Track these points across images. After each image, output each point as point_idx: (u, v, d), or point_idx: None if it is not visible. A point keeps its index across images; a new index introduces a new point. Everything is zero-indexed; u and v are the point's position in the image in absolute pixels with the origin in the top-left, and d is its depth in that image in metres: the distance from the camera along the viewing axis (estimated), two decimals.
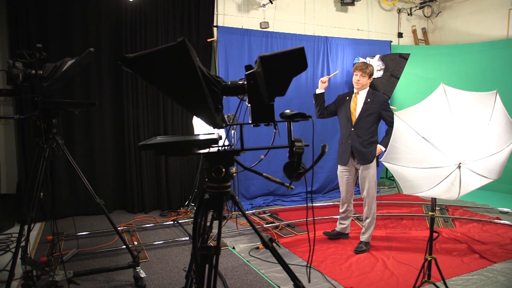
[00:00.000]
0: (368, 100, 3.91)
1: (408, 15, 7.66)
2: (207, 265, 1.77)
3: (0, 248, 4.01)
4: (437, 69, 6.89)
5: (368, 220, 3.93)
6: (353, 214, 4.45)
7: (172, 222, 4.87)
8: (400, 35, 7.65)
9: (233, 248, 4.00)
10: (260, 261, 3.66)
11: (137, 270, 3.17)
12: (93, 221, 4.93)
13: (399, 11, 7.61)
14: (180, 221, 4.86)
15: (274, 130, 1.96)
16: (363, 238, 3.92)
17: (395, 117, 2.25)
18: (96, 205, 3.13)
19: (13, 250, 3.92)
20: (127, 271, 3.38)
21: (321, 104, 4.11)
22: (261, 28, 6.20)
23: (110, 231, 4.48)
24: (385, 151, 3.78)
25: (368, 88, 4.00)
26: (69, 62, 2.90)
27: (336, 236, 4.21)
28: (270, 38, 5.99)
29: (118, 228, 4.50)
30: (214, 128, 1.74)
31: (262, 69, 1.70)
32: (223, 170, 1.80)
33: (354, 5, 6.93)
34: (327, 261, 3.64)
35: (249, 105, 1.81)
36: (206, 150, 1.80)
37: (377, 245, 3.98)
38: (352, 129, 3.95)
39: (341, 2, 6.86)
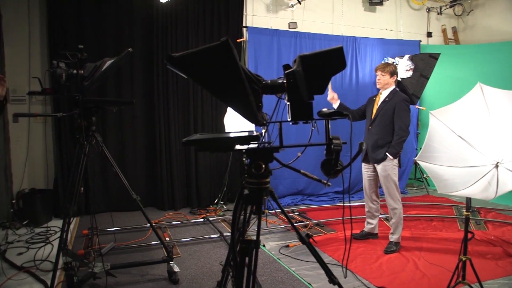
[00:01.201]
0: (387, 99, 3.92)
1: (438, 14, 7.55)
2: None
3: (40, 240, 4.18)
4: (468, 69, 6.76)
5: (393, 221, 3.91)
6: (381, 214, 4.43)
7: (202, 220, 4.96)
8: (429, 34, 7.54)
9: (263, 245, 4.05)
10: (290, 259, 3.69)
11: (171, 265, 3.25)
12: (125, 217, 5.06)
13: (429, 10, 7.51)
14: (209, 219, 4.95)
15: (312, 128, 2.00)
16: (393, 238, 3.91)
17: (430, 116, 2.26)
18: (129, 201, 3.23)
19: (52, 242, 4.09)
20: (160, 265, 3.46)
21: (346, 111, 4.12)
22: (290, 28, 6.23)
23: (142, 227, 4.61)
24: (394, 159, 3.78)
25: (392, 87, 3.98)
26: (108, 62, 3.01)
27: (365, 237, 4.20)
28: (299, 38, 6.02)
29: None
30: (256, 125, 1.79)
31: (302, 68, 1.74)
32: (263, 166, 1.85)
33: (382, 4, 6.89)
34: (357, 260, 3.64)
35: (288, 103, 1.86)
36: (247, 147, 1.86)
37: (407, 246, 3.96)
38: (370, 127, 3.98)
39: (369, 2, 6.82)
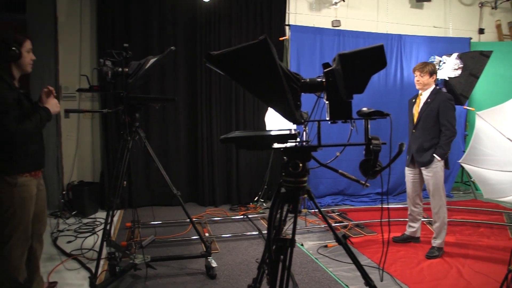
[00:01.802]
0: (429, 100, 3.77)
1: (492, 8, 7.17)
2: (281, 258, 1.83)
3: (86, 230, 4.38)
4: None
5: (437, 225, 3.77)
6: (424, 217, 4.29)
7: (241, 217, 5.01)
8: (481, 31, 7.18)
9: (302, 245, 4.03)
10: (328, 259, 3.66)
11: (209, 260, 3.31)
12: (166, 212, 5.19)
13: (482, 5, 7.15)
14: (249, 216, 4.99)
15: (351, 128, 1.97)
16: (435, 243, 3.77)
17: (476, 117, 2.15)
18: (170, 196, 3.31)
19: (98, 233, 4.27)
20: (199, 260, 3.53)
21: None
22: (333, 26, 6.14)
23: (183, 222, 4.71)
24: (443, 159, 3.63)
25: (432, 87, 3.83)
26: (152, 60, 3.10)
27: (406, 240, 4.08)
28: (342, 36, 5.93)
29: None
30: (293, 123, 1.78)
31: (341, 67, 1.72)
32: (300, 165, 1.84)
33: (430, 1, 6.64)
34: (396, 264, 3.55)
35: (327, 102, 1.84)
36: (284, 145, 1.86)
37: (451, 252, 3.80)
38: (414, 130, 3.85)
39: None
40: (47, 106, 2.60)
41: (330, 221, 4.65)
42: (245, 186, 5.79)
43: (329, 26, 6.15)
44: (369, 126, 1.90)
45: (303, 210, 4.89)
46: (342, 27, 6.18)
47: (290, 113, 1.72)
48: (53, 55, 5.26)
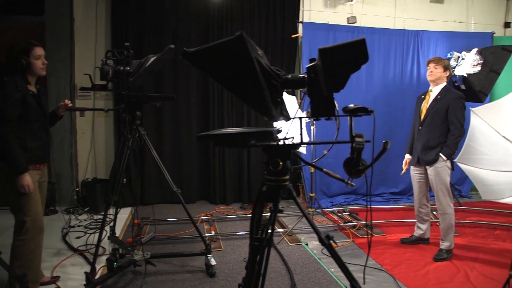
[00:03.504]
0: (439, 97, 3.62)
1: None
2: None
3: (96, 226, 4.46)
4: None
5: (442, 227, 3.64)
6: (433, 218, 4.16)
7: (251, 215, 4.98)
8: (507, 25, 6.88)
9: (306, 244, 3.98)
10: (332, 260, 3.54)
11: (209, 258, 3.31)
12: (176, 209, 5.22)
13: None
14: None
15: (336, 125, 1.91)
16: (443, 246, 3.64)
17: (471, 113, 2.05)
18: (182, 194, 3.32)
19: (106, 229, 4.34)
20: (201, 257, 3.54)
21: None
22: (349, 23, 6.02)
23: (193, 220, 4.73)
24: (449, 159, 3.49)
25: (444, 84, 3.67)
26: (152, 59, 3.12)
27: (415, 242, 3.96)
28: (356, 33, 5.80)
29: (199, 218, 4.78)
30: (269, 120, 1.75)
31: (321, 62, 1.67)
32: (280, 163, 1.80)
33: None
34: (401, 266, 3.45)
35: (309, 98, 1.79)
36: (268, 143, 1.82)
37: (460, 255, 3.67)
38: (420, 127, 3.73)
39: None
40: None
41: (338, 221, 4.63)
42: (256, 185, 5.76)
43: (345, 23, 6.04)
44: (352, 123, 1.81)
45: (310, 209, 4.83)
46: (358, 23, 6.06)
47: (267, 110, 1.68)
48: (69, 55, 5.39)
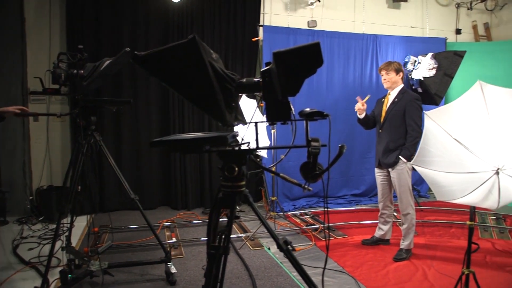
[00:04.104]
0: (396, 99, 3.73)
1: (468, 9, 7.17)
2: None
3: (52, 236, 4.25)
4: (501, 67, 6.35)
5: (405, 226, 3.73)
6: (394, 219, 4.25)
7: None
8: (458, 31, 7.18)
9: (269, 248, 3.96)
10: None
11: (169, 265, 3.23)
12: (137, 216, 5.05)
13: (458, 5, 7.15)
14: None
15: (292, 130, 1.90)
16: (403, 245, 3.72)
17: (425, 117, 2.10)
18: (142, 200, 3.24)
19: (61, 238, 4.16)
20: (161, 265, 3.44)
21: (367, 122, 3.96)
22: (309, 27, 6.10)
23: (154, 226, 4.61)
24: (409, 161, 3.60)
25: (401, 86, 3.78)
26: (107, 62, 3.02)
27: (376, 243, 4.03)
28: (317, 36, 5.87)
29: (161, 224, 4.67)
30: (224, 126, 1.71)
31: (276, 66, 1.66)
32: (236, 168, 1.77)
33: (407, 1, 6.62)
34: (363, 267, 3.49)
35: (264, 102, 1.77)
36: (224, 149, 1.79)
37: (419, 254, 3.76)
38: (380, 130, 3.80)
39: None
40: None
41: (301, 224, 4.65)
42: None
43: (305, 27, 6.11)
44: (308, 127, 1.80)
45: (272, 213, 4.82)
46: (318, 27, 6.14)
47: (220, 115, 1.65)
48: (21, 58, 5.14)
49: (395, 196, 3.96)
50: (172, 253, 3.76)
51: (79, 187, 3.01)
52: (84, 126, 3.02)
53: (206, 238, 4.24)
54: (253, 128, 1.86)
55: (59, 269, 3.16)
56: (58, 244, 3.95)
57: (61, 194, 4.99)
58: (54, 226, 4.60)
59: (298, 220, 4.95)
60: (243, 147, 1.83)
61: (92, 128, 3.09)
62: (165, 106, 5.59)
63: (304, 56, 1.64)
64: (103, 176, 5.30)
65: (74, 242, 4.04)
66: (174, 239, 4.21)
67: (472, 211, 2.30)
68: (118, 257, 3.73)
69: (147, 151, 5.53)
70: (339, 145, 1.74)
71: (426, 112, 2.11)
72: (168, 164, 5.62)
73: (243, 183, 1.84)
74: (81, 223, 4.51)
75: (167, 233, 4.45)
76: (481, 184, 1.99)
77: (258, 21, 5.86)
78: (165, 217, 5.12)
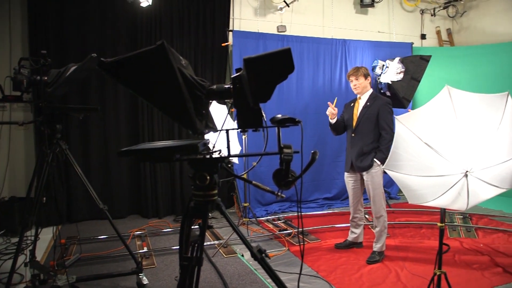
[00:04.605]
0: (368, 103, 3.78)
1: (432, 15, 7.40)
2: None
3: (13, 250, 4.06)
4: (463, 71, 6.60)
5: (377, 229, 3.77)
6: (366, 222, 4.30)
7: None
8: (423, 36, 7.40)
9: (242, 255, 3.92)
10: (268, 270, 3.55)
11: (140, 276, 3.14)
12: (107, 225, 4.92)
13: (422, 12, 7.37)
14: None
15: (264, 136, 1.88)
16: (376, 247, 3.76)
17: (396, 121, 2.12)
18: (112, 210, 3.15)
19: (25, 253, 3.98)
20: (133, 277, 3.34)
21: (338, 128, 3.99)
22: (278, 32, 6.13)
23: (124, 236, 4.48)
24: (383, 164, 3.65)
25: (371, 91, 3.85)
26: (72, 68, 2.92)
27: (349, 246, 4.05)
28: (286, 42, 5.90)
29: (131, 233, 4.55)
30: (194, 134, 1.67)
31: (246, 72, 1.63)
32: (207, 177, 1.73)
33: (374, 6, 6.75)
34: (337, 271, 3.50)
35: (236, 109, 1.74)
36: (194, 157, 1.74)
37: (391, 255, 3.81)
38: (353, 134, 3.84)
39: (360, 4, 6.70)
40: None
41: (274, 230, 4.63)
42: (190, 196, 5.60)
43: (275, 32, 6.13)
44: (280, 133, 1.78)
45: (244, 219, 4.79)
46: (288, 32, 6.18)
47: (190, 123, 1.60)
48: None
49: (365, 199, 4.01)
50: (144, 263, 3.66)
51: (44, 198, 2.88)
52: (49, 134, 2.90)
53: (178, 247, 4.17)
54: (224, 135, 1.82)
55: (22, 285, 3.02)
56: (21, 259, 3.80)
57: (24, 205, 4.77)
58: (16, 239, 4.42)
59: (271, 226, 4.93)
60: (215, 155, 1.79)
61: (58, 136, 2.98)
62: (134, 112, 5.47)
63: (275, 62, 1.63)
64: (70, 185, 5.11)
65: (39, 256, 3.86)
66: (145, 249, 4.10)
67: (443, 212, 2.34)
68: (86, 270, 3.59)
69: (116, 158, 5.38)
70: (312, 151, 1.73)
71: (396, 117, 2.13)
72: (138, 171, 5.50)
73: (215, 191, 1.80)
74: (46, 235, 4.32)
75: (138, 243, 4.34)
76: (451, 187, 2.03)
77: (228, 26, 5.83)
78: (135, 226, 4.99)
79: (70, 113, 3.12)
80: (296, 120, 1.75)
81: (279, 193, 1.84)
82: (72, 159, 3.04)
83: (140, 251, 4.03)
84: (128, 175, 5.51)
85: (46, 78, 2.91)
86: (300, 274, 3.15)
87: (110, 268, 3.67)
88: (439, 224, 2.39)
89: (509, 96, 2.03)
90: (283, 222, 5.07)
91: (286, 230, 4.66)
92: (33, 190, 4.72)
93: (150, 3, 4.96)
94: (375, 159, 3.68)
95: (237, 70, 1.76)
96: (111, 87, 5.33)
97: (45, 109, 2.90)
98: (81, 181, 3.48)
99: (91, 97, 5.23)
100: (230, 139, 1.84)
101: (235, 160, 4.43)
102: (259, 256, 1.89)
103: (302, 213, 5.38)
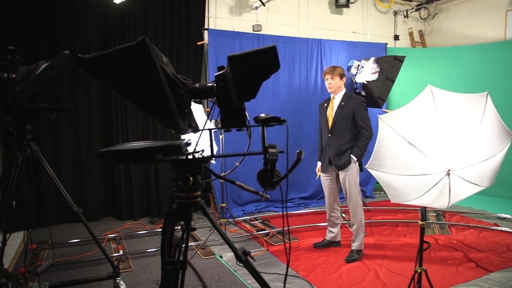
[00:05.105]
0: (342, 103, 3.82)
1: (405, 17, 7.55)
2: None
3: None
4: (434, 72, 6.77)
5: (355, 227, 3.80)
6: (343, 221, 4.33)
7: (161, 230, 4.74)
8: (396, 37, 7.54)
9: (221, 257, 3.87)
10: (248, 271, 3.51)
11: (117, 281, 3.05)
12: (84, 228, 4.77)
13: (395, 13, 7.50)
14: (176, 228, 4.72)
15: (248, 136, 1.84)
16: (354, 246, 3.79)
17: (379, 120, 2.13)
18: (85, 212, 3.04)
19: None
20: (109, 282, 3.24)
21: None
22: (254, 31, 6.10)
23: (99, 239, 4.35)
24: (358, 160, 3.70)
25: (344, 91, 3.88)
26: (43, 66, 2.79)
27: (327, 245, 4.07)
28: (262, 41, 5.88)
29: (106, 236, 4.43)
30: (177, 133, 1.62)
31: (231, 70, 1.59)
32: (191, 178, 1.68)
33: (349, 7, 6.82)
34: (316, 271, 3.50)
35: (219, 108, 1.70)
36: (176, 158, 1.68)
37: (369, 254, 3.84)
38: (329, 134, 3.86)
39: (335, 5, 6.75)
40: None
41: (251, 230, 4.60)
42: (166, 197, 5.50)
43: (250, 31, 6.10)
44: (265, 133, 1.75)
45: (222, 219, 4.74)
46: (263, 31, 6.16)
47: (172, 122, 1.55)
48: None
49: (341, 198, 4.04)
50: (120, 266, 3.55)
51: (14, 202, 2.75)
52: (18, 135, 2.76)
53: (154, 249, 4.09)
54: (200, 135, 1.78)
55: None
56: None
57: None
58: None
59: (248, 226, 4.90)
60: (197, 155, 1.74)
61: (28, 137, 2.84)
62: (106, 112, 5.31)
63: (260, 60, 1.59)
64: (41, 188, 4.92)
65: (7, 262, 3.69)
66: (121, 252, 4.00)
67: (423, 211, 2.36)
68: (60, 276, 3.46)
69: (89, 159, 5.22)
70: (297, 151, 1.71)
71: (380, 116, 2.14)
72: (112, 172, 5.35)
73: (199, 193, 1.74)
74: (15, 240, 4.13)
75: (113, 246, 4.22)
76: (434, 186, 2.05)
77: (203, 24, 5.75)
78: (110, 228, 4.86)
79: (42, 113, 2.99)
80: (281, 119, 1.72)
81: (264, 194, 1.80)
82: (44, 161, 2.91)
83: (116, 254, 3.92)
84: (102, 176, 5.36)
85: (14, 75, 2.77)
86: (286, 275, 3.12)
87: (85, 273, 3.55)
88: (420, 222, 2.41)
89: (489, 96, 2.07)
90: (260, 222, 5.05)
91: (264, 230, 4.64)
92: (1, 194, 4.54)
93: (124, 0, 4.84)
94: (351, 155, 3.71)
95: (220, 68, 1.72)
96: (83, 85, 5.16)
97: (13, 109, 2.76)
98: (53, 183, 3.36)
99: (63, 95, 5.05)
100: (207, 139, 1.80)
101: (212, 160, 4.38)
102: (244, 258, 1.85)
103: (279, 213, 5.41)
